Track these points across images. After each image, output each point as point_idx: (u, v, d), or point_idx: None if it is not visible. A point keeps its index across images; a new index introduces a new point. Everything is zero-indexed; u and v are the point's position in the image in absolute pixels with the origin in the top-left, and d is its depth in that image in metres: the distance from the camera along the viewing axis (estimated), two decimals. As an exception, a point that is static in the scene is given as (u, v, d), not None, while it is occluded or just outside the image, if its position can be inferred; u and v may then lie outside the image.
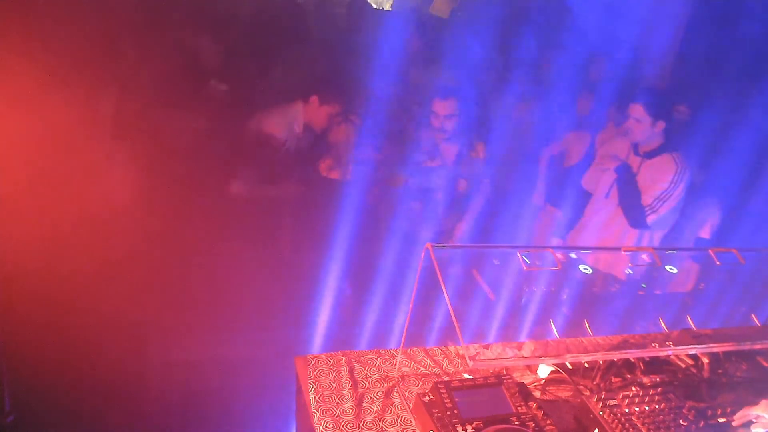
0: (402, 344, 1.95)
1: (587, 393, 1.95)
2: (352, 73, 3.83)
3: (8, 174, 2.62)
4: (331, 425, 1.75)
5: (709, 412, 1.89)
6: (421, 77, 4.20)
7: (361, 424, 1.77)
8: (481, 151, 3.99)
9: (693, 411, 1.87)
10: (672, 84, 4.80)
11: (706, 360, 2.09)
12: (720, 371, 2.12)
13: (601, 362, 2.04)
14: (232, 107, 3.64)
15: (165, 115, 3.34)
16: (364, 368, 2.01)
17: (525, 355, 1.99)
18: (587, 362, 2.07)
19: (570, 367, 2.08)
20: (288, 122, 3.72)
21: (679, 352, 2.10)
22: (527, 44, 4.26)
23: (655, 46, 4.66)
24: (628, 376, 2.07)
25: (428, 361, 2.11)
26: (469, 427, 1.63)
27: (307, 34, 4.26)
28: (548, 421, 1.73)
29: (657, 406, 1.87)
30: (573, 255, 3.59)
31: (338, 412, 1.81)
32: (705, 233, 3.90)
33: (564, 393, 2.00)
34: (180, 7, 3.57)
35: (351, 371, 1.99)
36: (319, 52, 4.12)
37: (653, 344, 2.05)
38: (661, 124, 3.35)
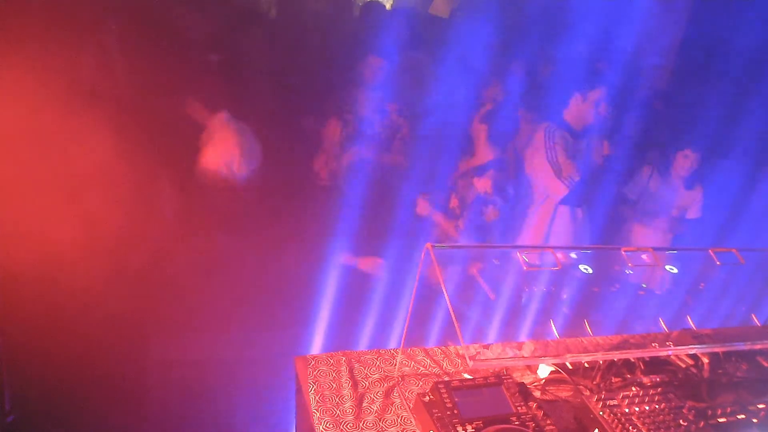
0: (402, 344, 1.95)
1: (587, 393, 1.95)
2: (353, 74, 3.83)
3: (8, 173, 2.62)
4: (331, 425, 1.75)
5: (709, 412, 1.89)
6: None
7: (361, 424, 1.77)
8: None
9: (693, 411, 1.87)
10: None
11: (706, 360, 2.09)
12: (720, 371, 2.12)
13: (601, 362, 2.04)
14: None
15: (168, 114, 3.30)
16: (364, 368, 2.01)
17: (525, 355, 1.98)
18: (587, 362, 2.07)
19: (570, 367, 2.08)
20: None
21: (679, 352, 2.10)
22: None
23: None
24: (628, 376, 2.08)
25: (428, 361, 2.11)
26: (469, 427, 1.63)
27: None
28: (548, 421, 1.73)
29: (657, 406, 1.87)
30: (573, 255, 3.59)
31: (338, 412, 1.81)
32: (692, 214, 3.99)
33: (564, 393, 2.00)
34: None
35: (351, 371, 1.98)
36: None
37: (653, 344, 2.05)
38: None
